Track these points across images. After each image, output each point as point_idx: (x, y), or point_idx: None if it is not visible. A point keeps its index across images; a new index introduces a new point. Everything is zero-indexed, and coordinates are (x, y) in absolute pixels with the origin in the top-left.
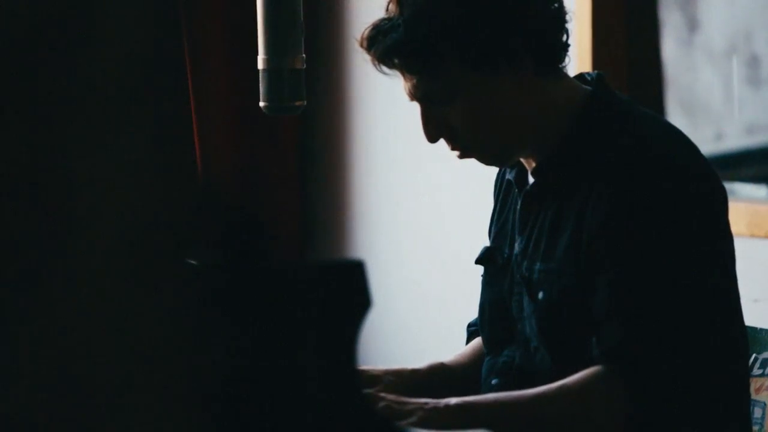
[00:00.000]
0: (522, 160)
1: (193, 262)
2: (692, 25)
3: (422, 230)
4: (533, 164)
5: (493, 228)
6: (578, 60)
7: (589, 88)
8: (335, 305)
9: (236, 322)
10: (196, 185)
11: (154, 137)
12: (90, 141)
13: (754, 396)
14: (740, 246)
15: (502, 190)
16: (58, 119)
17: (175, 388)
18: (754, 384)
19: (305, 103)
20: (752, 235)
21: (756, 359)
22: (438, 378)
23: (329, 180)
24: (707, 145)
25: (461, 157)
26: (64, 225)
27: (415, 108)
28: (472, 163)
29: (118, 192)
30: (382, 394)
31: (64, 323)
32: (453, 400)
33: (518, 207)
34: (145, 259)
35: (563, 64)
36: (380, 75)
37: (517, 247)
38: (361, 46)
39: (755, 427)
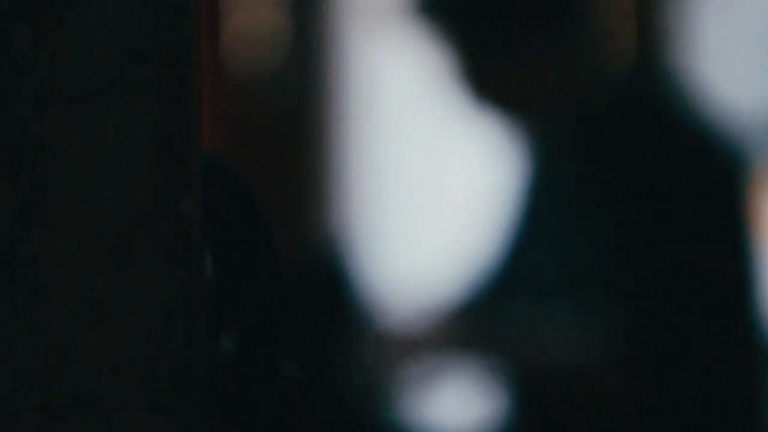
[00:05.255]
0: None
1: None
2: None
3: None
4: (560, 151)
5: (518, 221)
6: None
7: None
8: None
9: (233, 313)
10: (199, 180)
11: (155, 129)
12: (80, 130)
13: None
14: None
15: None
16: (43, 108)
17: (166, 386)
18: None
19: None
20: None
21: None
22: None
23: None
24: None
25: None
26: (50, 219)
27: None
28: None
29: (109, 186)
30: None
31: (48, 321)
32: None
33: (542, 197)
34: (138, 255)
35: (594, 37)
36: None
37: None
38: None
39: None
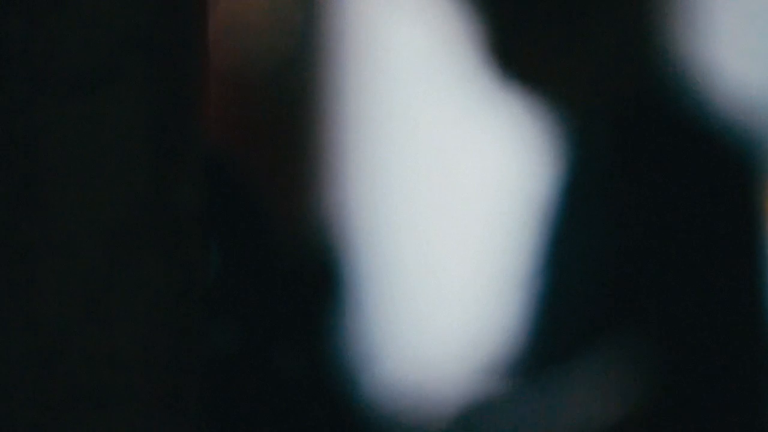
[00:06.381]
0: None
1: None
2: None
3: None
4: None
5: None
6: None
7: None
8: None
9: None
10: (200, 173)
11: (152, 118)
12: (76, 119)
13: None
14: None
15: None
16: (39, 97)
17: (160, 386)
18: None
19: None
20: None
21: None
22: None
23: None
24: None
25: None
26: (45, 209)
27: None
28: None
29: (105, 176)
30: None
31: (42, 312)
32: None
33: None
34: (135, 246)
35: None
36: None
37: None
38: None
39: None
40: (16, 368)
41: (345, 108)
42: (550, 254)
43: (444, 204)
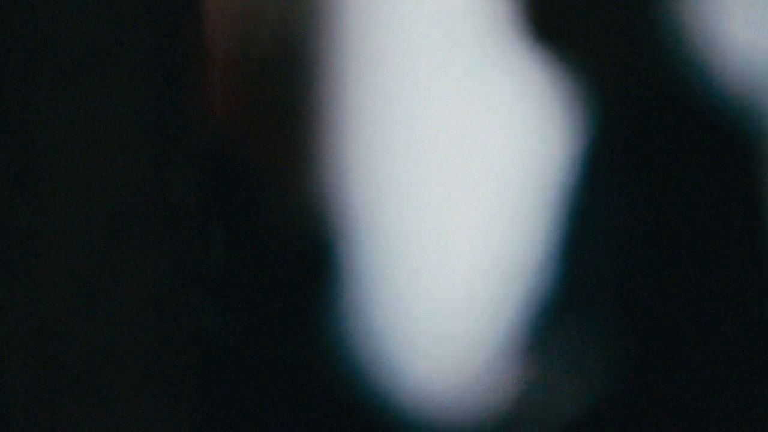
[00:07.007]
0: None
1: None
2: None
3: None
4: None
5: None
6: None
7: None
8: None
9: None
10: (198, 152)
11: (148, 91)
12: (73, 106)
13: None
14: None
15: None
16: (35, 84)
17: (158, 374)
18: None
19: None
20: None
21: None
22: None
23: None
24: None
25: None
26: (42, 197)
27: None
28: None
29: (98, 160)
30: None
31: (39, 303)
32: None
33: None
34: (129, 237)
35: None
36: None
37: None
38: None
39: None
40: (11, 358)
41: (348, 91)
42: (561, 237)
43: (453, 188)
